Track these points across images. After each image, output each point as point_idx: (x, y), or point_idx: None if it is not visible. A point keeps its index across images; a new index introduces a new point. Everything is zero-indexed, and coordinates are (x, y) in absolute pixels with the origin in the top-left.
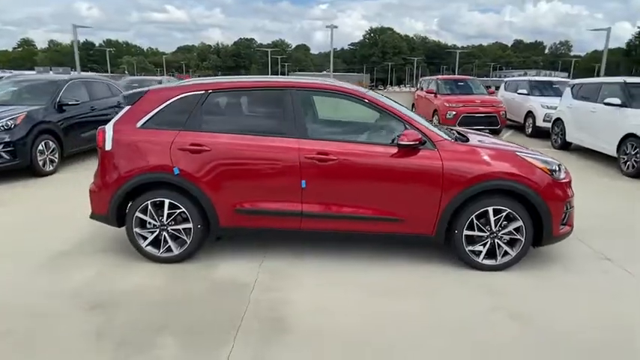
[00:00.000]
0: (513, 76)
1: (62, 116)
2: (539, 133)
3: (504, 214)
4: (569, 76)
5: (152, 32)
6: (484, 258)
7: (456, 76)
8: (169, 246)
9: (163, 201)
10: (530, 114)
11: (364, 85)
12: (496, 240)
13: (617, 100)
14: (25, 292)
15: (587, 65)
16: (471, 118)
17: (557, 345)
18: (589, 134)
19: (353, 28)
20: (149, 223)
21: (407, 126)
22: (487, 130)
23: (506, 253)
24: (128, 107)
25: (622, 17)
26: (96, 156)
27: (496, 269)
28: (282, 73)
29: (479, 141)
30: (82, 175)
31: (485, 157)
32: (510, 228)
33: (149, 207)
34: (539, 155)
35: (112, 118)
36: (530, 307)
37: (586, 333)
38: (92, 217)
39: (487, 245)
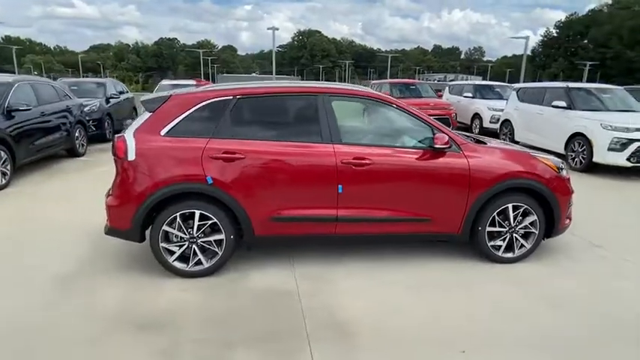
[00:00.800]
0: (436, 80)
1: (11, 123)
2: (485, 134)
3: (522, 209)
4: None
5: (58, 29)
6: (503, 252)
7: (407, 80)
8: (199, 259)
9: (193, 212)
10: (477, 116)
11: None
12: (514, 234)
13: (563, 103)
14: (64, 318)
15: (499, 70)
16: None
17: (590, 319)
18: (538, 134)
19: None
20: (176, 236)
21: (434, 130)
22: None
23: (522, 246)
24: (149, 114)
25: (525, 26)
26: (49, 167)
27: (514, 261)
28: (213, 75)
29: (494, 143)
30: (40, 188)
31: (505, 158)
32: (526, 222)
33: (177, 219)
34: (545, 155)
35: (69, 124)
36: (555, 291)
37: (603, 307)
38: (109, 233)
39: (507, 240)
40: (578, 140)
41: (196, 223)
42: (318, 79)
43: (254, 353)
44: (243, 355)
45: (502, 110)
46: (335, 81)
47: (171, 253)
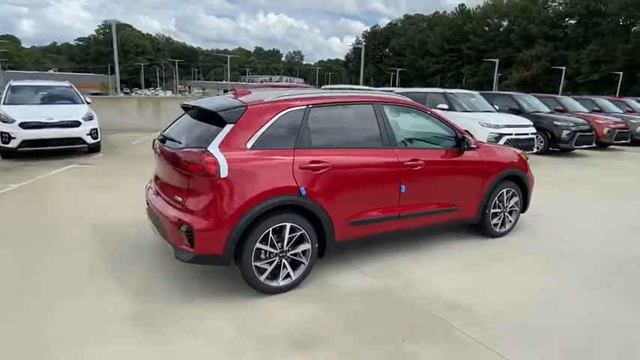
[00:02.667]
0: (263, 80)
1: None
2: None
3: (511, 192)
4: (305, 82)
5: None
6: (499, 228)
7: (295, 84)
8: (288, 273)
9: (284, 226)
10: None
11: (111, 87)
12: (505, 213)
13: (445, 106)
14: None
15: (320, 73)
16: None
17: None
18: None
19: (74, 19)
20: (266, 252)
21: (457, 133)
22: None
23: (509, 222)
24: (230, 126)
25: (333, 34)
26: None
27: (504, 235)
28: None
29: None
30: None
31: (501, 153)
32: (512, 202)
33: (270, 235)
34: (515, 148)
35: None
36: (555, 248)
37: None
38: (196, 260)
39: (502, 218)
40: None
41: (287, 236)
42: (141, 78)
43: (422, 342)
44: (415, 346)
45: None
46: (155, 81)
47: (262, 271)
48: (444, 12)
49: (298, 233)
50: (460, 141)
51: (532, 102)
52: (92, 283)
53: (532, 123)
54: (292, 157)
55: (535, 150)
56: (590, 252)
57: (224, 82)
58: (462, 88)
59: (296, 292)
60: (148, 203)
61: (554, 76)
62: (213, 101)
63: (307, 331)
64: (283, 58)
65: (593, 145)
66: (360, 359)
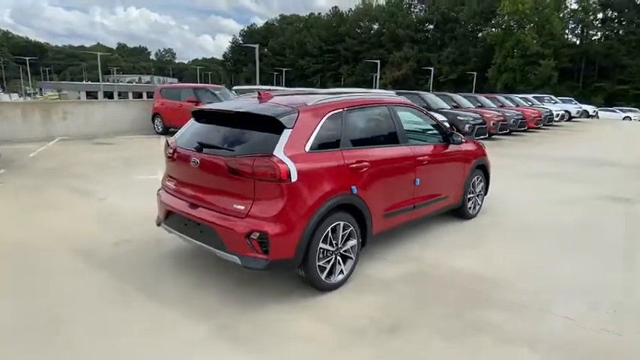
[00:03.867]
0: (131, 81)
1: None
2: None
3: (480, 179)
4: (180, 81)
5: None
6: (472, 210)
7: (209, 85)
8: (341, 269)
9: (338, 224)
10: None
11: None
12: (476, 197)
13: None
14: None
15: (194, 72)
16: None
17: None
18: None
19: None
20: (325, 251)
21: (445, 129)
22: None
23: (478, 204)
24: (289, 131)
25: (204, 31)
26: None
27: (475, 216)
28: None
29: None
30: None
31: (475, 145)
32: (480, 186)
33: (329, 234)
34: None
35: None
36: (516, 224)
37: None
38: (271, 266)
39: (473, 202)
40: None
41: (340, 233)
42: None
43: (482, 310)
44: (481, 314)
45: None
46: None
47: (321, 270)
48: (319, 13)
49: (348, 230)
50: (448, 136)
51: (434, 99)
52: (136, 312)
53: (446, 119)
54: (342, 158)
55: None
56: (544, 223)
57: (85, 82)
58: (340, 87)
59: (345, 286)
60: (168, 215)
61: (421, 75)
62: (257, 106)
63: (387, 318)
64: (152, 57)
65: (486, 135)
66: (451, 331)
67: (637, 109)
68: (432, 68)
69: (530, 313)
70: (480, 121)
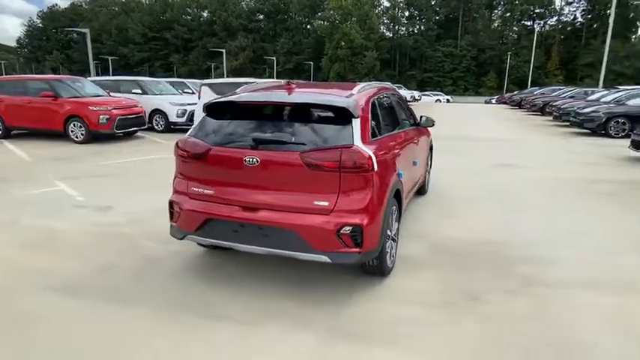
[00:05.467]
0: None
1: None
2: (172, 129)
3: (430, 157)
4: None
5: None
6: (427, 186)
7: (65, 76)
8: (392, 253)
9: (393, 208)
10: (158, 111)
11: None
12: (428, 172)
13: (139, 91)
14: None
15: None
16: (126, 120)
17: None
18: None
19: None
20: (388, 236)
21: (413, 115)
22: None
23: (429, 180)
24: (357, 120)
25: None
26: None
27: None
28: None
29: None
30: None
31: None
32: (429, 164)
33: (390, 219)
34: None
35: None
36: (464, 192)
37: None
38: (362, 259)
39: (427, 178)
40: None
41: (393, 217)
42: None
43: (516, 266)
44: (518, 270)
45: (190, 105)
46: None
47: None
48: None
49: (395, 214)
50: (418, 121)
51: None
52: (231, 338)
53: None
54: (388, 144)
55: None
56: (477, 191)
57: None
58: (173, 77)
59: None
60: (204, 223)
61: (259, 65)
62: (315, 97)
63: (456, 288)
64: None
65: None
66: (514, 288)
67: (442, 94)
68: (273, 58)
69: (548, 259)
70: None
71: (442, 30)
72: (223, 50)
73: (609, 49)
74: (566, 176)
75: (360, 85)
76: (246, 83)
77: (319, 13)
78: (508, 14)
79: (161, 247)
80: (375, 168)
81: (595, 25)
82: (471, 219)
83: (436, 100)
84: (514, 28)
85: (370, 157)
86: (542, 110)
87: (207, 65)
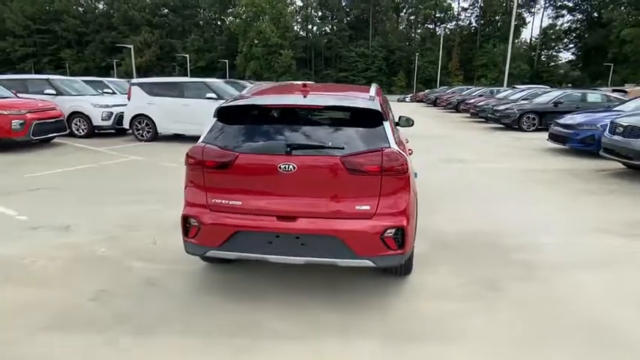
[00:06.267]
0: None
1: None
2: (96, 134)
3: None
4: None
5: None
6: None
7: None
8: None
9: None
10: (78, 114)
11: None
12: None
13: (53, 91)
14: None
15: None
16: (44, 125)
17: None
18: (189, 123)
19: None
20: None
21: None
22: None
23: None
24: (387, 122)
25: None
26: None
27: None
28: None
29: None
30: None
31: None
32: None
33: None
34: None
35: None
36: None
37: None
38: (405, 259)
39: None
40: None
41: None
42: None
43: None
44: (514, 256)
45: (117, 106)
46: None
47: None
48: None
49: None
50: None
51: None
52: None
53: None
54: (404, 146)
55: None
56: (444, 185)
57: None
58: (65, 74)
59: None
60: (230, 237)
61: (167, 62)
62: (347, 99)
63: (478, 278)
64: None
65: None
66: (522, 274)
67: None
68: (186, 55)
69: (533, 245)
70: None
71: (354, 31)
72: (131, 46)
73: (499, 52)
74: (511, 168)
75: (374, 87)
76: (183, 83)
77: (230, 10)
78: (413, 17)
79: (153, 266)
80: (409, 169)
81: (487, 30)
82: (454, 212)
83: None
84: (418, 30)
85: (406, 159)
86: (457, 108)
87: (108, 62)
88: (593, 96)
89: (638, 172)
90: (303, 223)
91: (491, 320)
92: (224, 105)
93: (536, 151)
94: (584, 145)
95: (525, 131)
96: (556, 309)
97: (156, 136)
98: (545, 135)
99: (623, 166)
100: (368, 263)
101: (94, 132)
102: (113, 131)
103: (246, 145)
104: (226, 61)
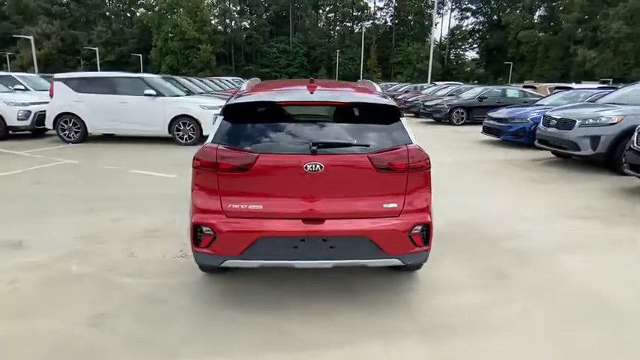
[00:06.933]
0: None
1: None
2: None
3: None
4: None
5: None
6: None
7: None
8: None
9: None
10: None
11: None
12: None
13: (153, 92)
14: None
15: None
16: None
17: None
18: (125, 122)
19: None
20: None
21: None
22: None
23: None
24: (404, 120)
25: None
26: None
27: None
28: None
29: None
30: None
31: None
32: None
33: None
34: None
35: None
36: None
37: None
38: (428, 256)
39: None
40: (183, 121)
41: None
42: None
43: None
44: (506, 245)
45: (36, 104)
46: None
47: None
48: None
49: None
50: None
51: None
52: None
53: None
54: None
55: None
56: None
57: None
58: None
59: None
60: (251, 244)
61: (70, 56)
62: (365, 96)
63: (481, 273)
64: None
65: None
66: (513, 263)
67: None
68: (95, 49)
69: (515, 233)
70: None
71: (274, 26)
72: (31, 37)
73: (413, 50)
74: (459, 160)
75: (372, 83)
76: (116, 78)
77: (141, 1)
78: (332, 15)
79: (145, 281)
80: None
81: (402, 29)
82: (434, 206)
83: None
84: (337, 27)
85: (428, 155)
86: None
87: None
88: (512, 92)
89: (568, 160)
90: (332, 225)
91: (513, 307)
92: (233, 102)
93: (473, 143)
94: (516, 137)
95: (455, 125)
96: (561, 290)
97: (85, 137)
98: (474, 128)
99: (553, 155)
100: (396, 262)
101: (7, 134)
102: (29, 132)
103: (265, 144)
104: (139, 55)
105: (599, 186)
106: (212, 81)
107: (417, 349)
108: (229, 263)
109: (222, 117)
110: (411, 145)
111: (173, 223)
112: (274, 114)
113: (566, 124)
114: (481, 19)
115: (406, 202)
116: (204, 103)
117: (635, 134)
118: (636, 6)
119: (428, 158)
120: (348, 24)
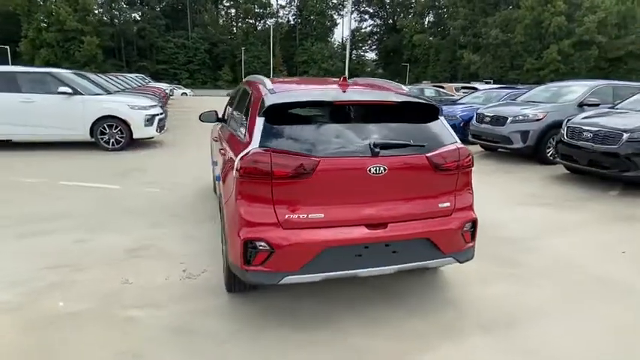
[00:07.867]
0: None
1: None
2: None
3: None
4: None
5: None
6: None
7: None
8: None
9: None
10: None
11: None
12: None
13: (69, 89)
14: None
15: None
16: None
17: None
18: (31, 125)
19: None
20: None
21: None
22: None
23: None
24: (442, 118)
25: None
26: None
27: None
28: None
29: None
30: None
31: None
32: None
33: None
34: None
35: None
36: None
37: None
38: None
39: None
40: (109, 123)
41: None
42: None
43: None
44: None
45: None
46: None
47: None
48: None
49: None
50: None
51: None
52: None
53: None
54: None
55: None
56: None
57: None
58: None
59: None
60: (313, 257)
61: None
62: (406, 96)
63: (496, 262)
64: None
65: None
66: (515, 249)
67: (181, 86)
68: None
69: (501, 225)
70: None
71: (170, 20)
72: None
73: (317, 50)
74: None
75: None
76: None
77: None
78: (233, 11)
79: (161, 312)
80: None
81: (305, 29)
82: None
83: (182, 94)
84: (239, 24)
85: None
86: None
87: None
88: (428, 91)
89: (497, 153)
90: (395, 229)
91: (542, 292)
92: (279, 102)
93: None
94: None
95: None
96: (569, 271)
97: None
98: None
99: (482, 149)
100: (452, 260)
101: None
102: None
103: (322, 147)
104: (7, 47)
105: (534, 175)
106: (117, 78)
107: (487, 344)
108: (289, 279)
109: (262, 118)
110: (459, 144)
111: (155, 239)
112: (321, 115)
113: (499, 120)
114: (378, 22)
115: (456, 200)
116: (134, 103)
117: (565, 129)
118: (508, 16)
119: (472, 156)
120: (251, 21)
